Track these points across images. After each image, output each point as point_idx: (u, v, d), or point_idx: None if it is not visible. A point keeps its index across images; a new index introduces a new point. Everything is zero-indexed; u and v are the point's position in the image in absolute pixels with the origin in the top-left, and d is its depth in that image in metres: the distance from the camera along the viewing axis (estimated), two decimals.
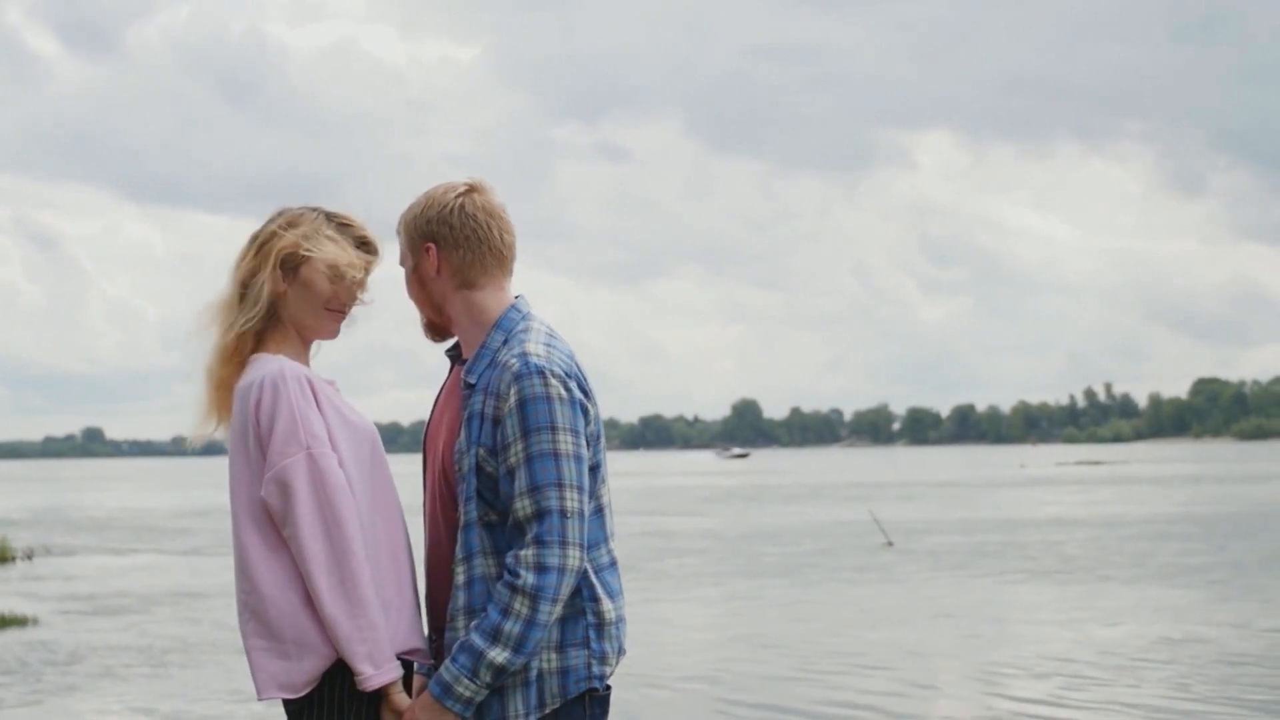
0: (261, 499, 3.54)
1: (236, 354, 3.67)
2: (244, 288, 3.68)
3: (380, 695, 3.54)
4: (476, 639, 3.43)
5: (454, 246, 3.65)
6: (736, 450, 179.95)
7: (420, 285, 3.71)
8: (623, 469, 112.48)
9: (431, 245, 3.66)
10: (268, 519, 3.55)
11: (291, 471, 3.50)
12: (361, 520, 3.55)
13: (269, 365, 3.60)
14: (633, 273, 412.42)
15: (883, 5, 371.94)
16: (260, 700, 3.55)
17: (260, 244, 3.70)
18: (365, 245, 3.77)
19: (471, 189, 3.68)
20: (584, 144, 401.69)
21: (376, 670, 3.49)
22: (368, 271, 3.77)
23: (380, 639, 3.50)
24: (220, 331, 3.70)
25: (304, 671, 3.51)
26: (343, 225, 3.75)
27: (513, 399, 3.46)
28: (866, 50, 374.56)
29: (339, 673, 3.53)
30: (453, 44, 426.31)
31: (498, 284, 3.69)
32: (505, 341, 3.59)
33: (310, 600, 3.51)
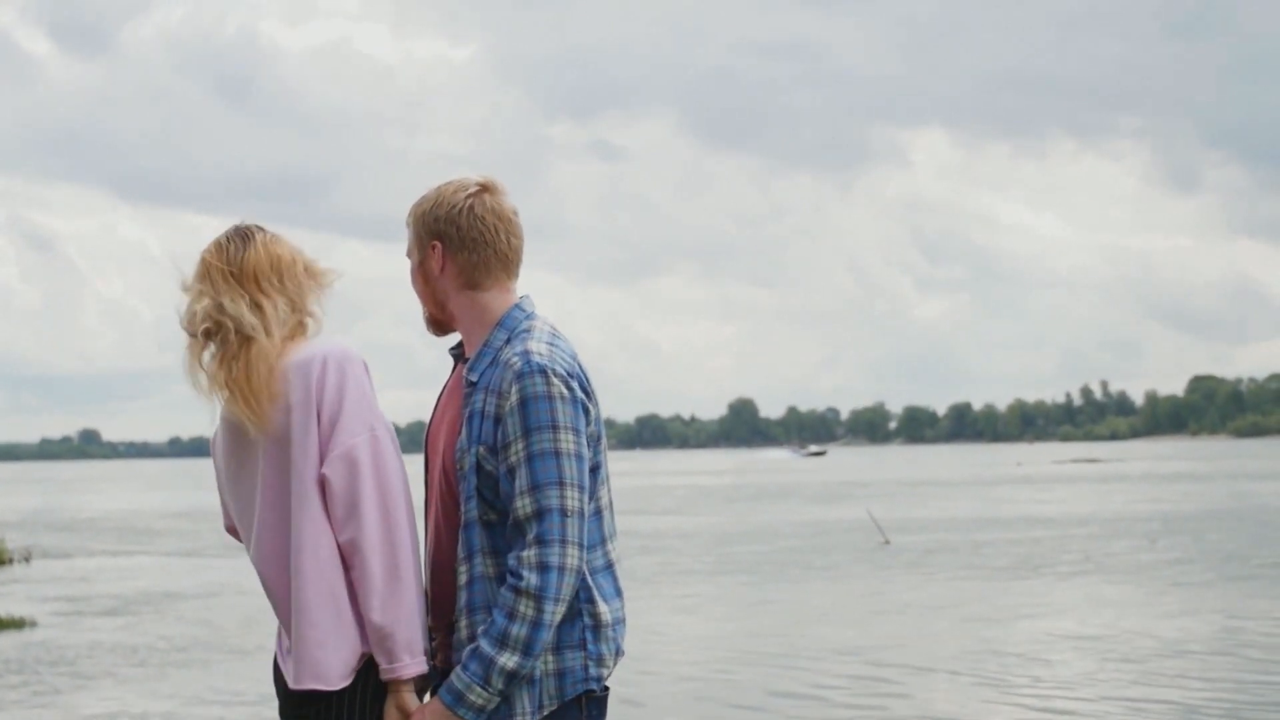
0: (322, 476, 3.50)
1: (286, 339, 3.61)
2: (306, 272, 3.66)
3: (384, 691, 3.51)
4: (485, 646, 3.42)
5: (459, 248, 3.63)
6: (814, 448, 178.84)
7: (424, 281, 3.70)
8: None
9: (437, 244, 3.64)
10: (320, 502, 3.51)
11: (359, 450, 3.48)
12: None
13: (327, 344, 3.58)
14: (627, 271, 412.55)
15: (876, 2, 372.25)
16: (294, 689, 3.51)
17: (293, 248, 3.69)
18: None
19: (483, 189, 3.66)
20: (578, 142, 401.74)
21: (413, 659, 3.49)
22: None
23: (420, 628, 3.51)
24: (276, 318, 3.60)
25: (342, 662, 3.49)
26: None
27: (514, 397, 3.45)
28: (860, 47, 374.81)
29: (364, 669, 3.52)
30: (446, 43, 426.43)
31: (502, 286, 3.67)
32: (508, 340, 3.58)
33: (348, 589, 3.50)
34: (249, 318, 3.58)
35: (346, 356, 3.55)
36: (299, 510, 3.52)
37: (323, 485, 3.50)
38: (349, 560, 3.50)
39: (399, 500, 3.52)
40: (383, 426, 3.55)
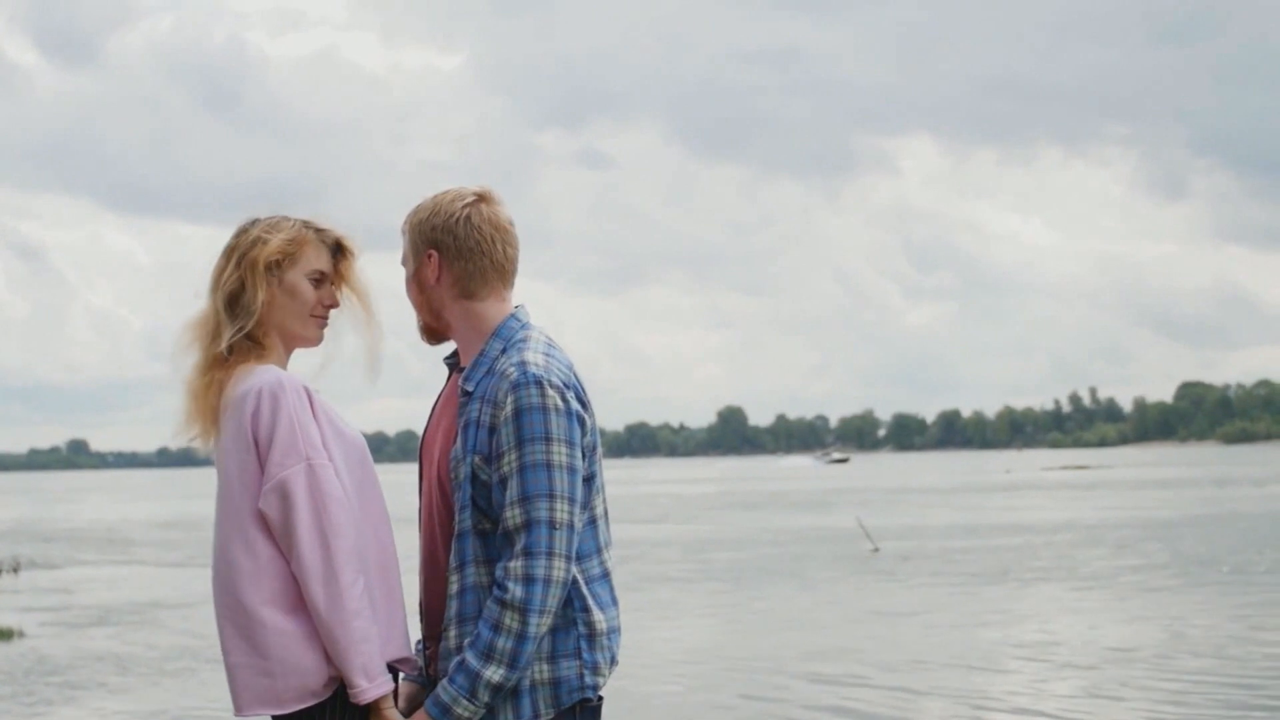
0: (258, 510, 3.51)
1: (223, 366, 3.61)
2: (231, 299, 3.62)
3: (370, 710, 3.52)
4: (471, 659, 3.42)
5: (456, 256, 3.63)
6: (836, 455, 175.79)
7: (419, 290, 3.69)
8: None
9: (433, 252, 3.64)
10: (260, 532, 3.52)
11: (291, 482, 3.47)
12: (356, 531, 3.54)
13: (265, 375, 3.56)
14: (616, 279, 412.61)
15: (863, 10, 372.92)
16: (239, 715, 3.53)
17: (241, 253, 3.64)
18: (342, 249, 3.75)
19: (480, 199, 3.66)
20: (566, 151, 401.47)
21: (370, 683, 3.48)
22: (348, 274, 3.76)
23: (374, 651, 3.49)
24: (206, 345, 3.64)
25: (290, 689, 3.49)
26: (319, 230, 3.73)
27: (509, 408, 3.45)
28: (847, 55, 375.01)
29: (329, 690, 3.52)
30: (434, 52, 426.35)
31: (498, 295, 3.67)
32: (504, 350, 3.58)
33: (297, 617, 3.49)
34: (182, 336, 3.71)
35: (280, 386, 3.53)
36: (235, 544, 3.54)
37: (264, 519, 3.52)
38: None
39: (340, 528, 3.49)
40: (321, 455, 3.52)
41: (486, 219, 3.64)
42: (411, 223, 3.69)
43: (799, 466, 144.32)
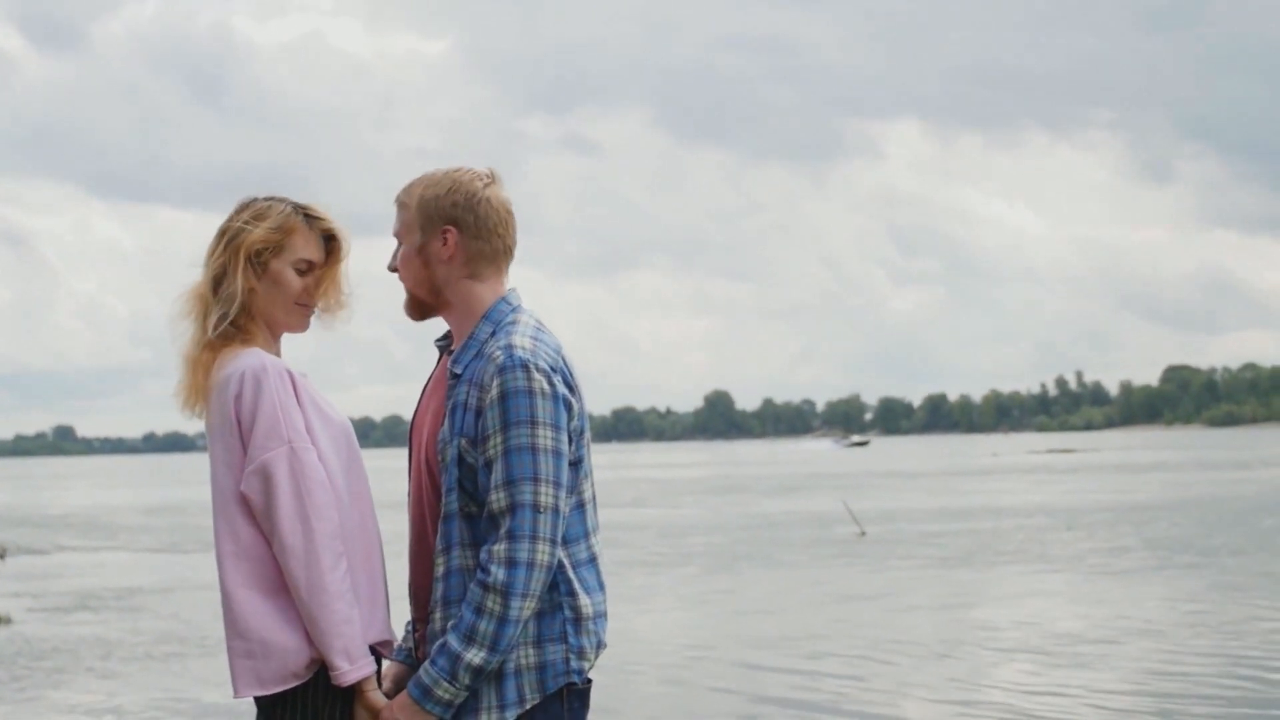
0: (240, 493, 3.52)
1: (209, 348, 3.62)
2: (216, 282, 3.64)
3: (354, 692, 3.53)
4: (453, 641, 3.42)
5: (474, 235, 3.61)
6: (856, 438, 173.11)
7: (424, 265, 3.64)
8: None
9: (452, 229, 3.60)
10: (241, 514, 3.53)
11: (273, 464, 3.49)
12: (340, 514, 3.55)
13: (248, 358, 3.56)
14: (602, 265, 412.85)
15: None
16: (236, 698, 3.55)
17: (229, 239, 3.64)
18: (333, 238, 3.74)
19: (493, 180, 3.65)
20: (552, 137, 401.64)
21: (352, 665, 3.49)
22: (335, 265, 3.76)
23: (355, 634, 3.51)
24: (196, 322, 3.65)
25: (270, 670, 3.51)
26: (310, 217, 3.72)
27: (494, 391, 3.45)
28: (833, 41, 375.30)
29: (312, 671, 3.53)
30: (419, 37, 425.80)
31: (499, 278, 3.67)
32: (493, 333, 3.57)
33: (277, 599, 3.51)
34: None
35: (263, 370, 3.54)
36: (220, 527, 3.56)
37: (247, 501, 3.54)
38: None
39: (322, 510, 3.50)
40: (303, 438, 3.53)
41: (501, 200, 3.64)
42: (425, 197, 3.62)
43: (818, 450, 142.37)
